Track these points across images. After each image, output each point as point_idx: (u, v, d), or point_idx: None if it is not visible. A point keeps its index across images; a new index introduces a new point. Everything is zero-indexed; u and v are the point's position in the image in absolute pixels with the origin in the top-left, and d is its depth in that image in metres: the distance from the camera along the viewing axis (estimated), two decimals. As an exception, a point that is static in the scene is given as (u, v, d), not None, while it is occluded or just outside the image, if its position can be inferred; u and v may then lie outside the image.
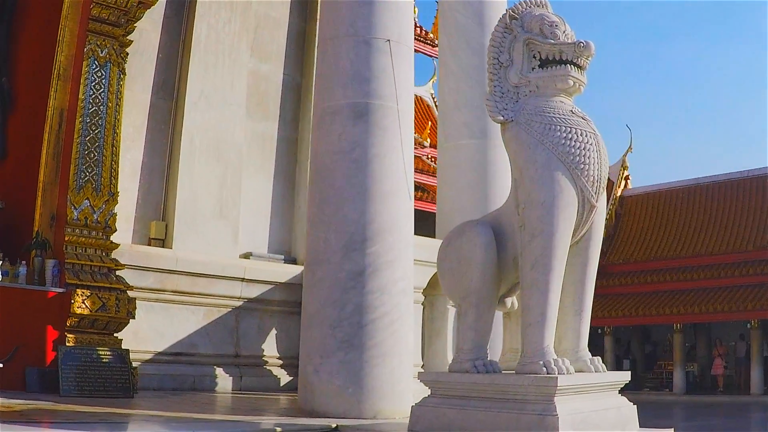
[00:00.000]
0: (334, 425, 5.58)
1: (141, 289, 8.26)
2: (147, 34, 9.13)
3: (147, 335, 8.35)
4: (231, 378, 8.95)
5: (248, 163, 9.99)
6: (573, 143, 4.87)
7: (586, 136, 4.92)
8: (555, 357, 4.62)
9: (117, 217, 8.04)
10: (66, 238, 7.46)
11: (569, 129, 4.89)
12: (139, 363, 8.06)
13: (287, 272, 9.70)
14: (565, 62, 5.04)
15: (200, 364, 8.80)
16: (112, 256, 7.88)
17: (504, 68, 5.24)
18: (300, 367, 6.63)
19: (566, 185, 4.80)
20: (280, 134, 10.47)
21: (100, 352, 6.99)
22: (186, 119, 9.24)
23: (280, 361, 9.50)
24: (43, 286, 7.24)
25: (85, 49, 7.88)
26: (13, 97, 8.29)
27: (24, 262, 7.34)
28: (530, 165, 4.92)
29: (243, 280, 9.31)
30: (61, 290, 7.18)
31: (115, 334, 7.72)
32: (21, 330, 6.83)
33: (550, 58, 5.08)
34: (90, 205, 7.62)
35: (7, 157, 8.23)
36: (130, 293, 7.90)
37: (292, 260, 10.20)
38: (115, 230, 7.93)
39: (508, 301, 5.41)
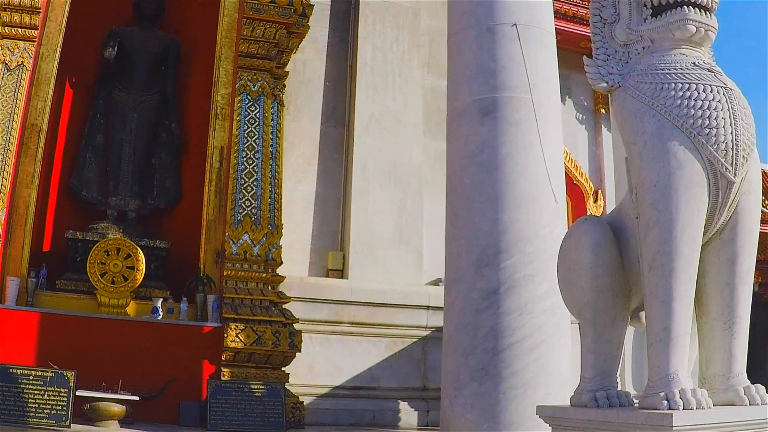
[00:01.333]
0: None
1: (315, 321, 7.99)
2: (312, 64, 9.02)
3: (323, 369, 8.01)
4: (416, 413, 8.30)
5: (431, 184, 9.41)
6: (693, 102, 3.62)
7: (712, 91, 3.64)
8: (686, 386, 3.43)
9: (288, 249, 7.92)
10: (225, 273, 7.43)
11: (688, 85, 3.66)
12: (314, 397, 7.76)
13: (476, 297, 8.89)
14: (683, 3, 3.85)
15: (382, 398, 8.27)
16: (279, 289, 7.73)
17: (609, 25, 4.13)
18: (441, 400, 5.85)
19: (686, 158, 3.58)
20: (466, 151, 9.76)
21: (253, 386, 6.76)
22: (357, 145, 8.93)
23: (473, 394, 8.67)
24: (204, 322, 7.25)
25: (237, 85, 7.91)
26: (184, 142, 8.56)
27: (185, 299, 7.42)
28: (638, 137, 3.77)
29: (428, 308, 8.68)
30: (217, 325, 7.12)
31: (282, 368, 7.51)
32: (177, 365, 6.82)
33: (663, 3, 3.92)
34: (249, 239, 7.53)
35: (182, 199, 8.49)
36: (301, 326, 7.68)
37: (484, 284, 9.36)
38: (280, 263, 7.77)
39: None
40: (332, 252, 8.73)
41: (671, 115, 3.63)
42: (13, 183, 7.12)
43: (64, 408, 5.76)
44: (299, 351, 7.49)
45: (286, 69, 8.58)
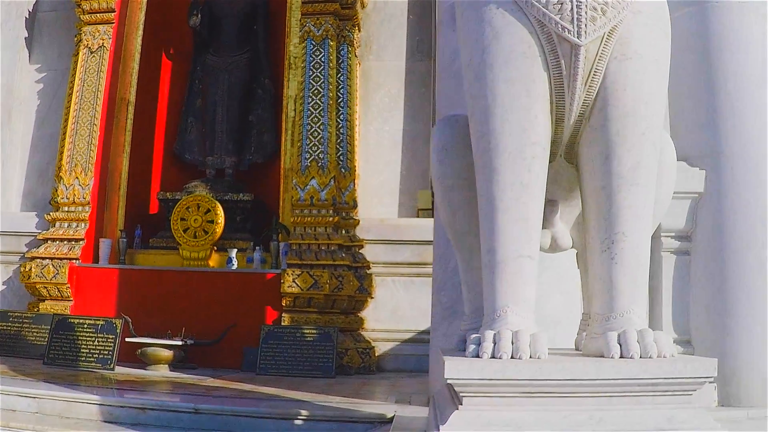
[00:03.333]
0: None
1: (397, 264, 7.49)
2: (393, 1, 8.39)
3: (407, 313, 7.48)
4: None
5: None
6: (512, -55, 2.64)
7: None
8: (516, 326, 2.51)
9: (377, 191, 7.69)
10: (293, 219, 7.22)
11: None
12: (398, 343, 7.31)
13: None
14: None
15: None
16: (356, 232, 7.37)
17: None
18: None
19: (505, 23, 2.63)
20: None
21: (305, 331, 6.49)
22: (444, 77, 8.14)
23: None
24: (276, 269, 7.12)
25: (301, 33, 7.59)
26: (277, 96, 8.41)
27: (260, 247, 7.34)
28: (457, 7, 2.87)
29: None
30: (279, 271, 6.95)
31: (357, 313, 7.17)
32: (243, 312, 6.79)
33: None
34: (317, 183, 7.23)
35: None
36: (382, 269, 7.29)
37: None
38: (354, 206, 7.40)
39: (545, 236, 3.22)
40: (422, 191, 8.11)
41: (485, -31, 2.69)
42: (101, 154, 7.50)
43: (110, 352, 5.99)
44: (370, 296, 7.09)
45: (365, 9, 8.07)
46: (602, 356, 2.49)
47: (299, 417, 4.18)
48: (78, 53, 7.74)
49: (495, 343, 2.45)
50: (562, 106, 2.70)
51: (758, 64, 4.41)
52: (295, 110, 7.62)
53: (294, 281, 6.75)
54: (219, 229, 7.42)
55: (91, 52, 7.65)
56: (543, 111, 2.66)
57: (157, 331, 6.47)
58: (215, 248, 7.50)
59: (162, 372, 6.13)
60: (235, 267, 7.22)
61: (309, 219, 7.17)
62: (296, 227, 7.18)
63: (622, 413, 2.41)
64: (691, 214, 4.47)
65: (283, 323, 6.72)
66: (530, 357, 2.42)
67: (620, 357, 2.44)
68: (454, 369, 2.35)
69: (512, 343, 2.43)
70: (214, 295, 6.90)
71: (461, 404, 2.39)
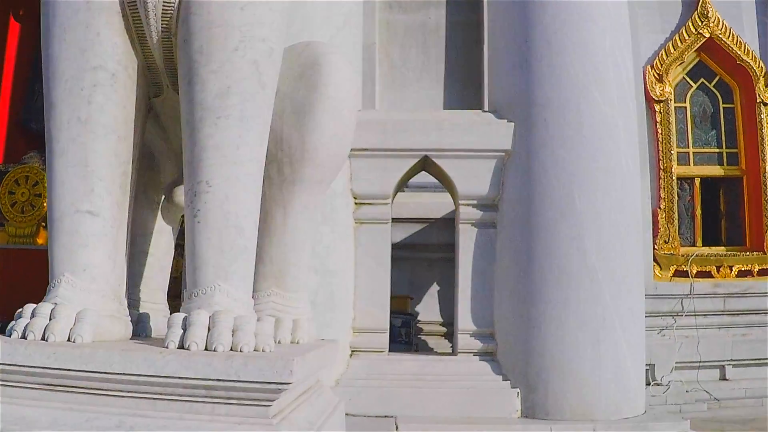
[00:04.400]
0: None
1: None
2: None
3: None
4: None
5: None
6: None
7: None
8: (66, 301, 1.89)
9: None
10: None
11: None
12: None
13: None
14: None
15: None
16: None
17: None
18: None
19: None
20: None
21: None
22: None
23: None
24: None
25: None
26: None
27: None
28: None
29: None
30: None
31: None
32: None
33: None
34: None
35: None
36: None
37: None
38: None
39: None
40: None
41: None
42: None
43: None
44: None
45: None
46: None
47: None
48: None
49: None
50: (139, 20, 1.92)
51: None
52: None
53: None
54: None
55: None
56: (109, 26, 1.87)
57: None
58: (44, 225, 6.80)
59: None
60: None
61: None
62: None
63: (164, 423, 1.66)
64: (497, 177, 3.55)
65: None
66: (71, 340, 1.78)
67: (180, 347, 1.74)
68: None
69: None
70: (42, 275, 6.16)
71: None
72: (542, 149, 3.37)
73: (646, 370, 6.66)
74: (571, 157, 3.32)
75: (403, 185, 4.02)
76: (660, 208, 7.37)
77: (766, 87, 7.76)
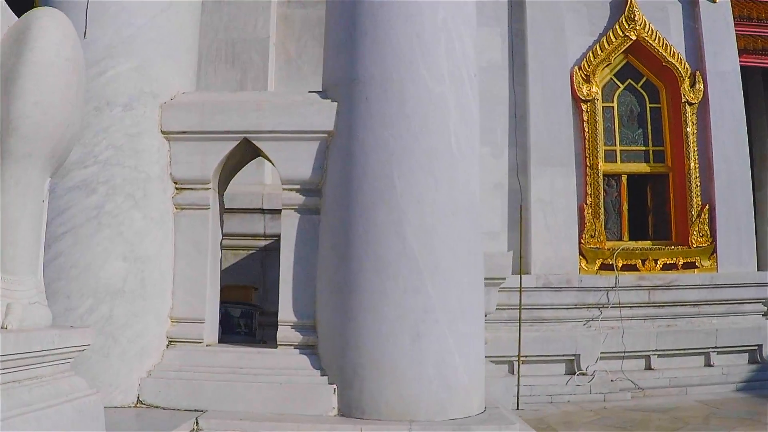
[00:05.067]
0: None
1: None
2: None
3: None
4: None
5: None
6: None
7: None
8: None
9: None
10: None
11: None
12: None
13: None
14: None
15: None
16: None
17: None
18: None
19: None
20: None
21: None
22: None
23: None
24: None
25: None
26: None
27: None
28: None
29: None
30: None
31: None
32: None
33: None
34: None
35: None
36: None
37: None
38: None
39: None
40: None
41: None
42: None
43: None
44: None
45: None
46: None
47: None
48: None
49: None
50: None
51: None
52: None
53: None
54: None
55: None
56: None
57: None
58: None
59: None
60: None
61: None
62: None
63: None
64: (320, 160, 3.33)
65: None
66: None
67: None
68: None
69: None
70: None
71: None
72: (362, 129, 3.13)
73: (572, 360, 6.66)
74: (392, 136, 3.07)
75: (235, 171, 3.78)
76: (586, 203, 7.28)
77: (690, 87, 7.72)
